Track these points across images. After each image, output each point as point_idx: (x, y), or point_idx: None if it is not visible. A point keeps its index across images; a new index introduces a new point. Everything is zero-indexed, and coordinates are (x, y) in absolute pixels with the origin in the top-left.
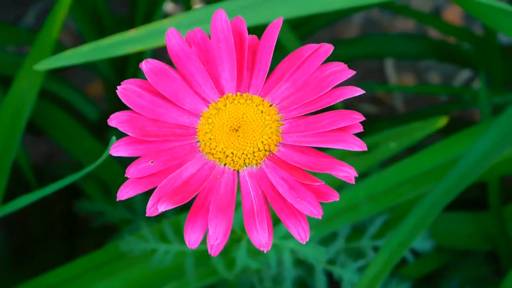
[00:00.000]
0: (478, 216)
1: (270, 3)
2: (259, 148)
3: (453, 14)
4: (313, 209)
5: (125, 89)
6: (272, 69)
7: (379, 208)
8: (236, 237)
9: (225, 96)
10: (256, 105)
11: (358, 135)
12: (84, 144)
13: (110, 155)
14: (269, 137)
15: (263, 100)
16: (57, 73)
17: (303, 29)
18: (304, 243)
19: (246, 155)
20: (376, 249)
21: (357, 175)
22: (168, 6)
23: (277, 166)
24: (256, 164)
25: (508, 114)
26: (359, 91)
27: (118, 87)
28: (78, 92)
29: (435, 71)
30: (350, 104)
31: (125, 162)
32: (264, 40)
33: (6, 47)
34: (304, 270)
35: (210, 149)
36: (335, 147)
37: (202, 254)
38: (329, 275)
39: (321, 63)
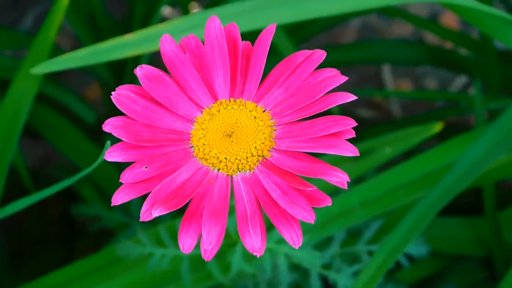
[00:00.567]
0: (473, 222)
1: (266, 9)
2: (252, 154)
3: (450, 20)
4: (306, 214)
5: (120, 95)
6: (265, 74)
7: (374, 213)
8: (232, 241)
9: (218, 101)
10: (250, 111)
11: (352, 139)
12: (81, 148)
13: (106, 160)
14: (262, 143)
15: (256, 106)
16: (54, 77)
17: (299, 34)
18: (297, 247)
19: (240, 160)
20: (371, 253)
21: (349, 180)
22: (166, 10)
23: (270, 171)
24: (249, 169)
25: (503, 120)
26: (352, 97)
27: (112, 92)
28: (76, 96)
29: (432, 76)
30: (346, 109)
31: (122, 166)
32: (258, 46)
33: (3, 50)
34: (300, 274)
35: (204, 154)
36: (327, 153)
37: (198, 258)
38: (325, 280)
39: (314, 69)
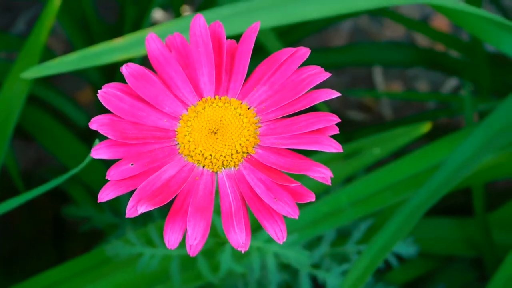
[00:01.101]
0: (463, 222)
1: (256, 11)
2: (237, 150)
3: (441, 23)
4: (290, 209)
5: (106, 93)
6: (251, 72)
7: (363, 213)
8: (221, 241)
9: (204, 99)
10: (234, 108)
11: (341, 140)
12: (72, 150)
13: (96, 160)
14: (247, 139)
15: (241, 103)
16: (46, 80)
17: (290, 37)
18: (281, 243)
19: (224, 157)
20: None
21: (332, 176)
22: (158, 14)
23: (255, 168)
24: (234, 166)
25: (491, 119)
26: (335, 94)
27: (99, 91)
28: (67, 99)
29: (423, 79)
30: (338, 111)
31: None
32: (242, 44)
33: None
34: (289, 274)
35: (189, 151)
36: (311, 149)
37: (187, 258)
38: (314, 279)
39: (297, 66)
